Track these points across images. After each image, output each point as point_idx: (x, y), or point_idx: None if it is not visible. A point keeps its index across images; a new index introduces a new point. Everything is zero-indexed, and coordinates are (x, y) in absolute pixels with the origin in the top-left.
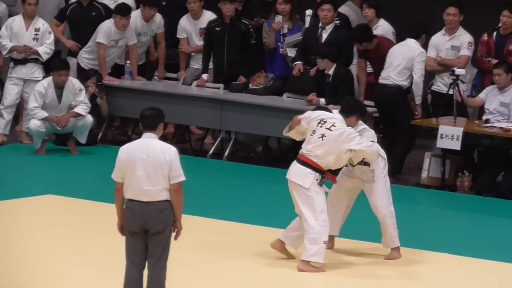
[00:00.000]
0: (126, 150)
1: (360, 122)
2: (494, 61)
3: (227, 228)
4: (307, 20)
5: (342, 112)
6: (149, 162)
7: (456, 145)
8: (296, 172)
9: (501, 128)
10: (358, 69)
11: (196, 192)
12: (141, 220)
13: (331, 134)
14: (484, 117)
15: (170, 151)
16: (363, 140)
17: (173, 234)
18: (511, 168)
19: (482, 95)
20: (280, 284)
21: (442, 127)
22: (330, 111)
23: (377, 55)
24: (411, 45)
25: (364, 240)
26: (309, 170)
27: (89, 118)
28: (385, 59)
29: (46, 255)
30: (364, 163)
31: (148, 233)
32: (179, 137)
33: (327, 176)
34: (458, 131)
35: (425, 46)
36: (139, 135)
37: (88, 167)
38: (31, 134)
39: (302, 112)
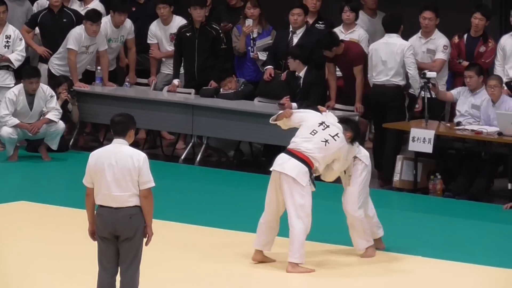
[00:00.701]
0: (96, 156)
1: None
2: (465, 63)
3: (199, 233)
4: None
5: (342, 122)
6: (117, 168)
7: (428, 148)
8: (294, 168)
9: (472, 130)
10: (327, 73)
11: (167, 197)
12: (110, 226)
13: (334, 143)
14: (455, 120)
15: (139, 157)
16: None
17: (145, 240)
18: (483, 171)
19: (454, 91)
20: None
21: (414, 130)
22: (319, 111)
23: (345, 59)
24: (396, 42)
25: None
26: (306, 169)
27: (61, 124)
28: (353, 63)
29: (18, 261)
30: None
31: (119, 239)
32: (150, 143)
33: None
34: (430, 134)
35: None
36: (110, 141)
37: (60, 174)
38: (3, 141)
39: (271, 116)
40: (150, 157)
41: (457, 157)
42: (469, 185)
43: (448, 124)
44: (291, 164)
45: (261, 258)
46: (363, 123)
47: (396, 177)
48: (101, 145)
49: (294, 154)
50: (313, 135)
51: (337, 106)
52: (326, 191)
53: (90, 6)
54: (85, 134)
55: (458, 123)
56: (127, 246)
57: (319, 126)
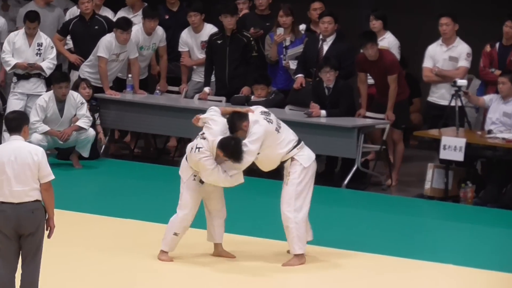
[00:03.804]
0: None
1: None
2: (498, 72)
3: (237, 242)
4: None
5: (220, 142)
6: (17, 163)
7: (459, 156)
8: (182, 165)
9: (503, 139)
10: (358, 82)
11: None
12: (14, 221)
13: (192, 155)
14: (486, 128)
15: (37, 151)
16: (214, 173)
17: (47, 233)
18: None
19: (486, 97)
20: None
21: (445, 138)
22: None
23: (378, 66)
24: None
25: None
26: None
27: (91, 132)
28: (388, 72)
29: (47, 269)
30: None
31: (21, 236)
32: (181, 150)
33: None
34: (461, 142)
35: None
36: (141, 149)
37: (91, 181)
38: None
39: (302, 124)
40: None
41: (488, 165)
42: (498, 194)
43: (479, 132)
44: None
45: (217, 252)
46: (396, 132)
47: (427, 185)
48: (131, 152)
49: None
50: (196, 138)
51: (368, 114)
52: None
53: (140, 13)
54: (117, 142)
55: (489, 131)
56: (30, 241)
57: (199, 134)
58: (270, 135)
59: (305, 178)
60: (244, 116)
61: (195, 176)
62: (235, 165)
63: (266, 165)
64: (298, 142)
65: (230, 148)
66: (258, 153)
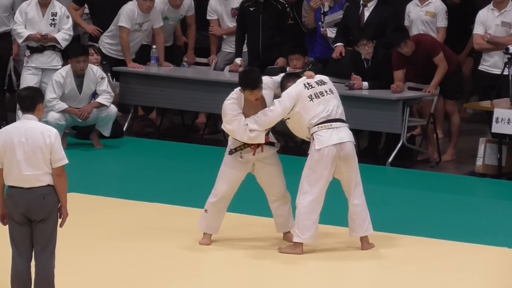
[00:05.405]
0: (4, 134)
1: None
2: None
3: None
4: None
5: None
6: (28, 146)
7: None
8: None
9: None
10: (395, 79)
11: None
12: (23, 207)
13: None
14: None
15: (50, 133)
16: (234, 122)
17: (60, 221)
18: None
19: None
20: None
21: (498, 111)
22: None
23: (418, 54)
24: None
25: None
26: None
27: (113, 109)
28: (432, 54)
29: (68, 256)
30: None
31: (32, 221)
32: (211, 128)
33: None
34: None
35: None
36: (169, 125)
37: (113, 162)
38: None
39: (343, 97)
40: (211, 143)
41: None
42: None
43: None
44: None
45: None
46: (449, 103)
47: (479, 162)
48: (157, 130)
49: None
50: None
51: (410, 84)
52: None
53: None
54: (140, 119)
55: None
56: (41, 228)
57: None
58: (301, 100)
59: (317, 162)
60: (291, 76)
61: (230, 149)
62: (258, 120)
63: (298, 131)
64: (327, 121)
65: (240, 73)
66: (289, 118)
